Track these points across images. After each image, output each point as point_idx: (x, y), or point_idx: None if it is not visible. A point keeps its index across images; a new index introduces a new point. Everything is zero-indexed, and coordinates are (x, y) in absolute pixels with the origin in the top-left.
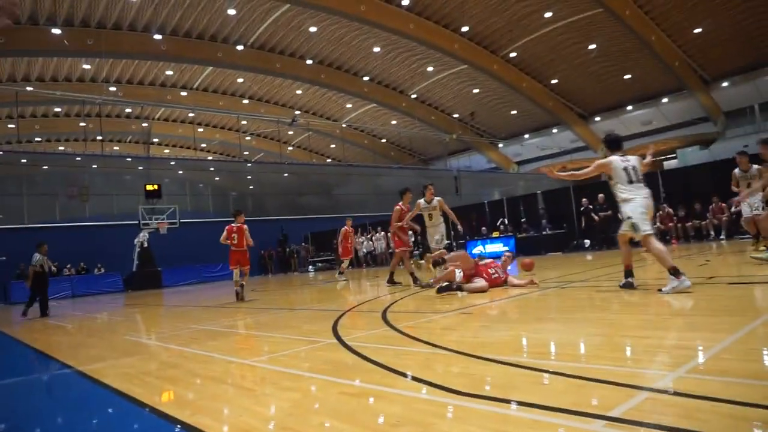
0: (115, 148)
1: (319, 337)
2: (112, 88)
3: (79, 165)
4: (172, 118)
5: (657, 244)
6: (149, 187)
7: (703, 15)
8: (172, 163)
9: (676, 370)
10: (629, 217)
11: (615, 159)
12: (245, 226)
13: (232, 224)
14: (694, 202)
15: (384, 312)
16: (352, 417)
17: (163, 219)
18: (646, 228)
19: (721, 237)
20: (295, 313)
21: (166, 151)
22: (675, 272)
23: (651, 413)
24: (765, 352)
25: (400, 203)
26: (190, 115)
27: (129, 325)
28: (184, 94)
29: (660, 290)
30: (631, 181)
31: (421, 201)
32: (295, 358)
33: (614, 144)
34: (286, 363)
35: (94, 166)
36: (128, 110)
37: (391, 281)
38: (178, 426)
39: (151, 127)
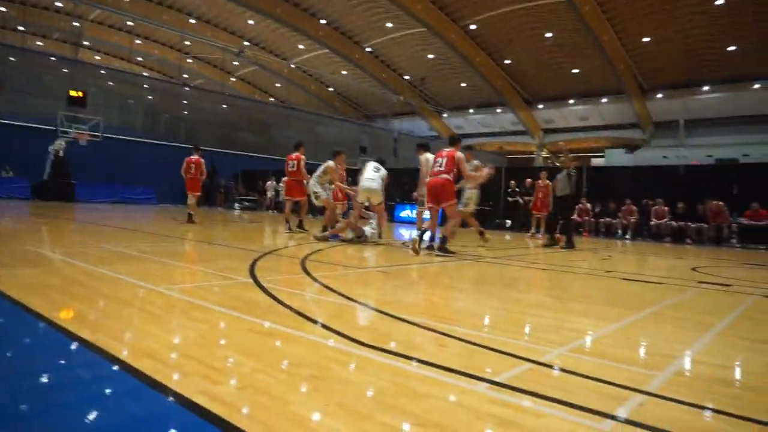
0: (39, 43)
1: (235, 275)
2: None
3: None
4: (108, 23)
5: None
6: (73, 93)
7: (654, 25)
8: (103, 71)
9: (559, 348)
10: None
11: (429, 156)
12: (202, 160)
13: (191, 157)
14: (610, 201)
15: (304, 259)
16: (256, 354)
17: (85, 129)
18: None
19: (627, 237)
20: (214, 248)
21: (97, 57)
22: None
23: (530, 381)
24: (640, 342)
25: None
26: (129, 23)
27: (33, 235)
28: None
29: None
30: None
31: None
32: (208, 291)
33: (426, 147)
34: (198, 295)
35: (11, 59)
36: (58, 4)
37: (301, 227)
38: (76, 342)
39: (84, 28)
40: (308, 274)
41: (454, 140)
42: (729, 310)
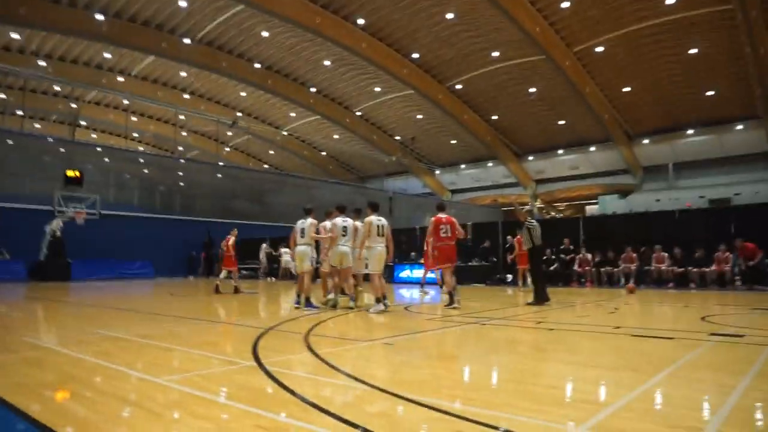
0: (36, 126)
1: (238, 358)
2: (41, 63)
3: None
4: (104, 103)
5: (376, 281)
6: (70, 173)
7: (632, 76)
8: (99, 149)
9: (578, 427)
10: (366, 258)
11: (373, 218)
12: (232, 238)
13: (229, 236)
14: (608, 249)
15: (306, 335)
16: None
17: (82, 208)
18: (376, 268)
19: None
20: (214, 327)
21: (94, 136)
22: (380, 300)
23: None
24: (660, 412)
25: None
26: (125, 102)
27: (28, 323)
28: (120, 79)
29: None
30: (379, 235)
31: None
32: (210, 380)
33: (375, 207)
34: (200, 385)
35: (9, 142)
36: (56, 88)
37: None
38: None
39: (80, 109)
40: (313, 352)
41: (443, 207)
42: (747, 367)
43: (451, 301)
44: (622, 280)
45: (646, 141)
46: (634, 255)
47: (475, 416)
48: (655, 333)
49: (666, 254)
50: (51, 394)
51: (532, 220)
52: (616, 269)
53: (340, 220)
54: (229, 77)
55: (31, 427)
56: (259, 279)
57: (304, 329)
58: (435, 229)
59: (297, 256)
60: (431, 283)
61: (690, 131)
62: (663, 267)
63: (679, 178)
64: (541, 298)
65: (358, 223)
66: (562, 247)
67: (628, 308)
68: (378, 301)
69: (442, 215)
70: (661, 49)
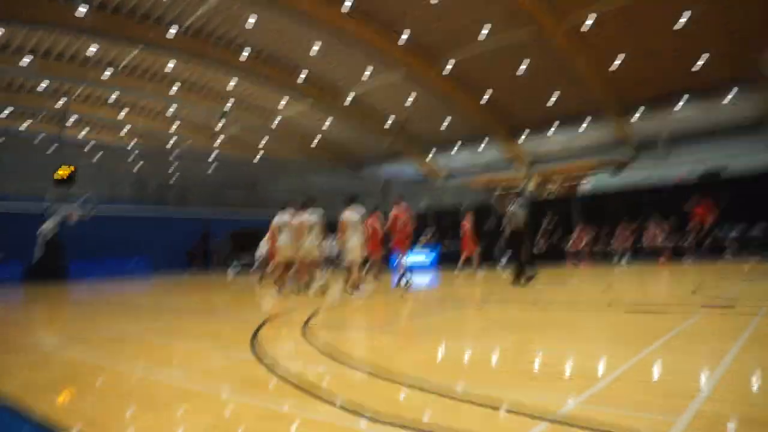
0: (26, 124)
1: (238, 351)
2: (27, 59)
3: None
4: (93, 97)
5: (356, 272)
6: (62, 172)
7: (623, 47)
8: (90, 145)
9: (574, 398)
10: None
11: (349, 213)
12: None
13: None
14: (603, 226)
15: (304, 325)
16: None
17: (75, 207)
18: (355, 258)
19: (623, 261)
20: (213, 321)
21: (84, 132)
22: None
23: None
24: (654, 383)
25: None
26: (114, 96)
27: (27, 325)
28: (108, 73)
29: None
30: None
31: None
32: (211, 374)
33: (350, 200)
34: (201, 380)
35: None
36: (43, 84)
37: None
38: None
39: (68, 105)
40: (310, 342)
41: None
42: (737, 334)
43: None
44: (616, 258)
45: (637, 114)
46: (627, 232)
47: (475, 397)
48: (648, 309)
49: (659, 230)
50: (57, 394)
51: (516, 207)
52: (609, 247)
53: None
54: (218, 65)
55: (39, 427)
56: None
57: (302, 319)
58: (394, 221)
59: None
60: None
61: (681, 103)
62: (659, 242)
63: (671, 152)
64: (518, 276)
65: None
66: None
67: (621, 285)
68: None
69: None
70: (652, 18)
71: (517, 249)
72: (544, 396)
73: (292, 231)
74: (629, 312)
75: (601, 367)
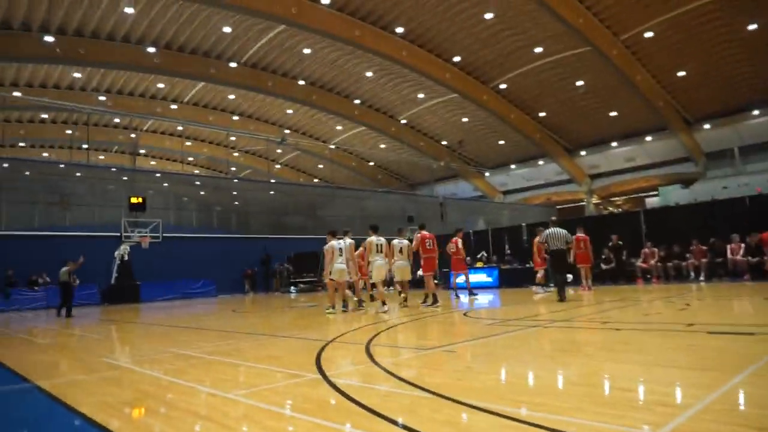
0: (101, 157)
1: (303, 371)
2: (102, 98)
3: (62, 173)
4: (160, 131)
5: (380, 288)
6: (134, 200)
7: (686, 59)
8: (158, 175)
9: (656, 431)
10: (371, 270)
11: (373, 239)
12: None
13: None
14: (674, 242)
15: (368, 345)
16: None
17: (146, 233)
18: (377, 278)
19: (701, 279)
20: (277, 341)
21: (153, 162)
22: (384, 303)
23: None
24: (746, 416)
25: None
26: (179, 128)
27: (105, 344)
28: (174, 107)
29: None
30: (378, 252)
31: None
32: (277, 393)
33: (374, 228)
34: (269, 399)
35: (77, 175)
36: (116, 120)
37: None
38: None
39: (139, 138)
40: (375, 361)
41: (424, 226)
42: None
43: (435, 301)
44: (692, 275)
45: (707, 126)
46: (704, 247)
47: (543, 422)
48: (733, 329)
49: (742, 244)
50: (129, 411)
51: (553, 228)
52: (684, 263)
53: (374, 239)
54: (275, 96)
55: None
56: (318, 292)
57: (365, 339)
58: (422, 243)
59: (400, 268)
60: (462, 288)
61: (756, 111)
62: (738, 258)
63: (746, 162)
64: (560, 296)
65: (395, 242)
66: (610, 244)
67: (701, 304)
68: (384, 303)
69: (425, 232)
70: (715, 28)
71: (560, 268)
72: (620, 425)
73: (385, 251)
74: (714, 333)
75: (684, 396)
